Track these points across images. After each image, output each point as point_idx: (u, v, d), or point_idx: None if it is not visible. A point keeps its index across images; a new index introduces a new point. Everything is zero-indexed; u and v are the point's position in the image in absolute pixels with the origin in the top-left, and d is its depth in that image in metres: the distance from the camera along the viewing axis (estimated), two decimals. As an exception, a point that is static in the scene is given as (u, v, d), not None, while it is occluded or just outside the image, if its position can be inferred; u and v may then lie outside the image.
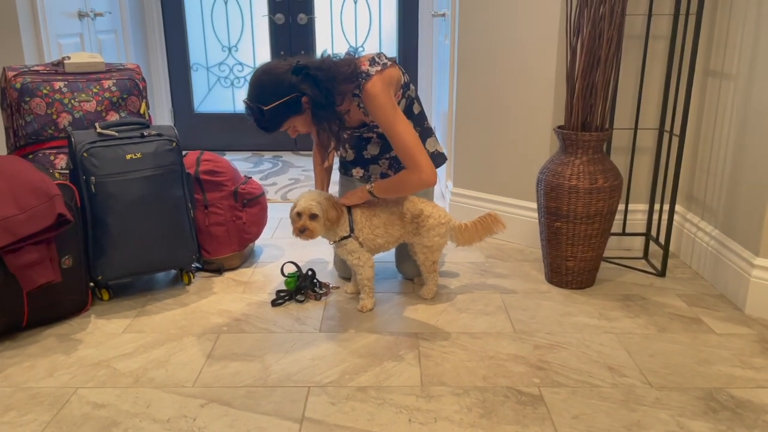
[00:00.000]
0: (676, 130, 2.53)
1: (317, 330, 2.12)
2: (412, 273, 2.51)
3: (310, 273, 2.41)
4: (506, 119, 2.84)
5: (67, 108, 2.42)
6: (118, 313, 2.25)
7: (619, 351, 1.98)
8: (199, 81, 4.78)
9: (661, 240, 2.64)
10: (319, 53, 2.16)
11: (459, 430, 1.61)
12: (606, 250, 2.53)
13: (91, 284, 2.29)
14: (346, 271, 2.51)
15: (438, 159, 2.43)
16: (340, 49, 2.22)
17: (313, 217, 2.13)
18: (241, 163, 4.48)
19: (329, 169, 2.48)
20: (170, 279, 2.54)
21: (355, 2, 4.58)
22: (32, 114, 2.37)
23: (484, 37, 2.83)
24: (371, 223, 2.20)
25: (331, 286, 2.44)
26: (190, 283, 2.49)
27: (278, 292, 2.36)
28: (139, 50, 4.39)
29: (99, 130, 2.25)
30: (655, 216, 2.71)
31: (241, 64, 4.74)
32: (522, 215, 2.84)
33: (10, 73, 2.37)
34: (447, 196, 3.27)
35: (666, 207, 2.65)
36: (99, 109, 2.48)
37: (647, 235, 2.72)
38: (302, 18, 4.57)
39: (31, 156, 2.38)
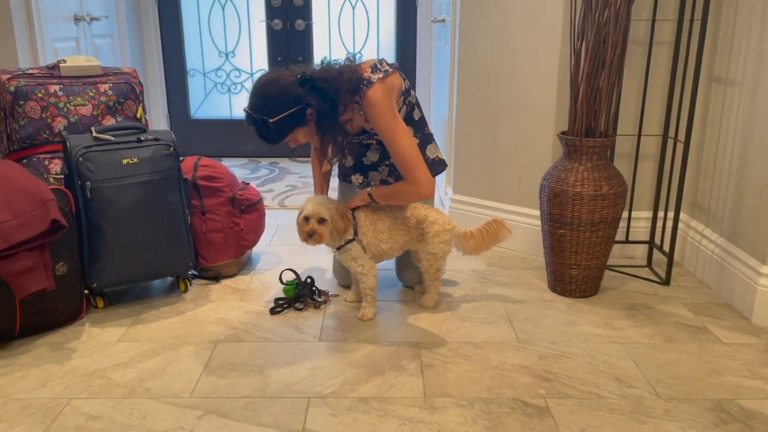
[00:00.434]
0: (681, 136, 2.50)
1: (317, 339, 2.08)
2: (413, 281, 2.46)
3: (309, 281, 2.36)
4: (507, 125, 2.81)
5: (62, 112, 2.37)
6: (113, 322, 2.20)
7: (626, 361, 1.94)
8: (195, 87, 4.74)
9: (665, 248, 2.60)
10: (318, 60, 2.12)
11: (464, 442, 1.57)
12: (609, 258, 2.49)
13: (86, 291, 2.24)
14: (346, 279, 2.46)
15: (438, 166, 2.39)
16: (338, 56, 2.15)
17: (321, 221, 2.08)
18: (238, 169, 4.44)
19: (328, 174, 2.44)
20: (166, 286, 2.49)
21: (353, 8, 4.55)
22: (26, 118, 2.32)
23: (485, 42, 2.80)
24: (375, 227, 2.16)
25: (330, 294, 2.39)
26: (186, 290, 2.44)
27: (277, 300, 2.31)
28: (136, 55, 4.35)
29: (95, 134, 2.20)
30: (659, 224, 2.68)
31: (238, 70, 4.70)
32: (523, 222, 2.80)
33: (4, 76, 2.33)
34: (446, 203, 3.23)
35: (670, 214, 2.62)
36: (95, 113, 2.43)
37: (651, 243, 2.68)
38: (300, 24, 4.54)
39: (25, 161, 2.34)
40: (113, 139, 2.21)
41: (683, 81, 2.46)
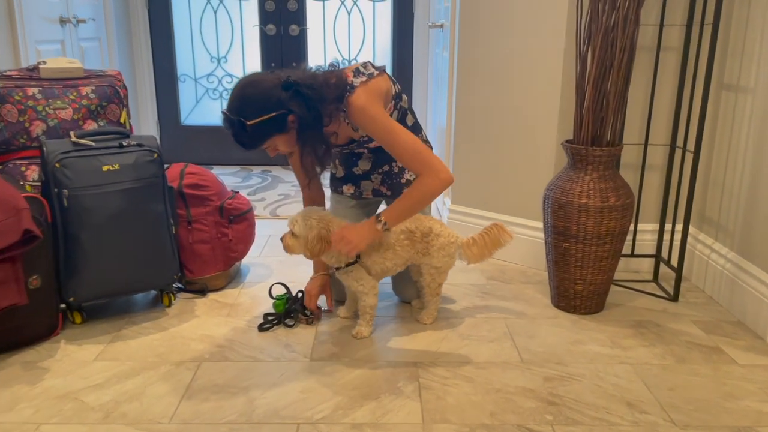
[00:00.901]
0: (690, 145, 2.39)
1: (308, 358, 1.95)
2: (411, 295, 2.34)
3: (300, 295, 2.24)
4: (508, 133, 2.70)
5: (41, 116, 2.25)
6: (90, 338, 2.07)
7: (637, 384, 1.82)
8: (186, 92, 4.62)
9: (673, 262, 2.49)
10: (303, 67, 1.97)
11: (466, 475, 1.44)
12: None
13: (62, 306, 2.11)
14: (339, 294, 2.34)
15: None
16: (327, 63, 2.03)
17: (294, 235, 1.98)
18: (229, 177, 4.32)
19: (317, 188, 2.28)
20: (150, 300, 2.36)
21: (349, 14, 4.45)
22: (2, 121, 2.19)
23: (486, 48, 2.70)
24: (380, 245, 2.03)
25: (323, 309, 2.27)
26: (170, 305, 2.31)
27: (266, 315, 2.19)
28: (124, 59, 4.23)
29: (74, 139, 2.08)
30: (666, 237, 2.57)
31: (230, 75, 4.59)
32: (524, 235, 2.69)
33: (-20, 78, 2.21)
34: (445, 214, 3.12)
35: (678, 227, 2.50)
36: (76, 117, 2.31)
37: (657, 256, 2.57)
38: (294, 29, 4.44)
39: (0, 167, 2.21)
40: (93, 144, 2.09)
41: (692, 88, 2.36)
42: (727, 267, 2.32)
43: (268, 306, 2.29)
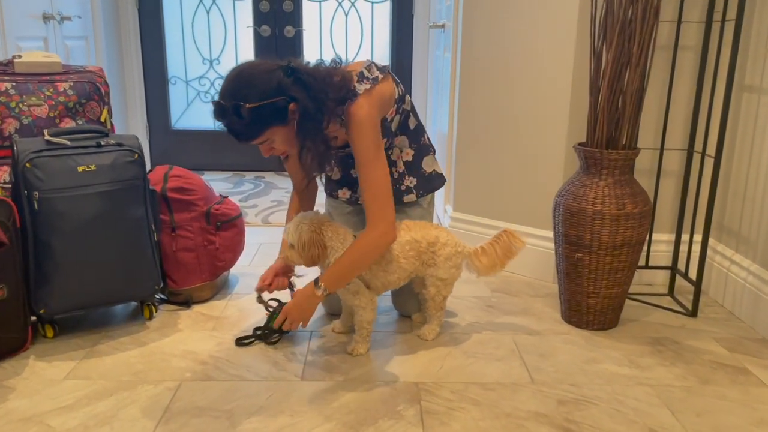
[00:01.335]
0: (710, 150, 2.24)
1: (298, 377, 1.78)
2: (412, 309, 2.18)
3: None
4: (514, 136, 2.55)
5: (13, 113, 2.08)
6: (62, 354, 1.90)
7: (660, 409, 1.66)
8: (177, 95, 4.46)
9: (691, 275, 2.33)
10: (305, 61, 1.81)
11: None
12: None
13: (33, 319, 1.94)
14: (334, 307, 2.17)
15: (436, 180, 2.12)
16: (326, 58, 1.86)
17: (291, 246, 1.82)
18: (220, 183, 4.15)
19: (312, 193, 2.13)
20: (129, 313, 2.19)
21: (346, 15, 4.31)
22: (-29, 118, 2.03)
23: (490, 47, 2.55)
24: (382, 258, 1.87)
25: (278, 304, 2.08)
26: (151, 317, 2.14)
27: (256, 329, 2.02)
28: (113, 60, 4.07)
29: (47, 137, 1.92)
30: (682, 247, 2.41)
31: (223, 78, 4.40)
32: (532, 244, 2.53)
33: (-53, 71, 2.05)
34: (445, 222, 2.96)
35: (697, 238, 2.34)
36: (52, 115, 2.15)
37: (674, 269, 2.41)
38: (289, 30, 4.29)
39: (-32, 167, 2.05)
40: (68, 143, 1.92)
41: (713, 89, 2.21)
42: (749, 280, 2.16)
43: (257, 319, 2.12)
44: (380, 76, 1.81)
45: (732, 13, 2.09)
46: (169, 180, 2.24)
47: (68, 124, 2.18)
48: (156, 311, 2.17)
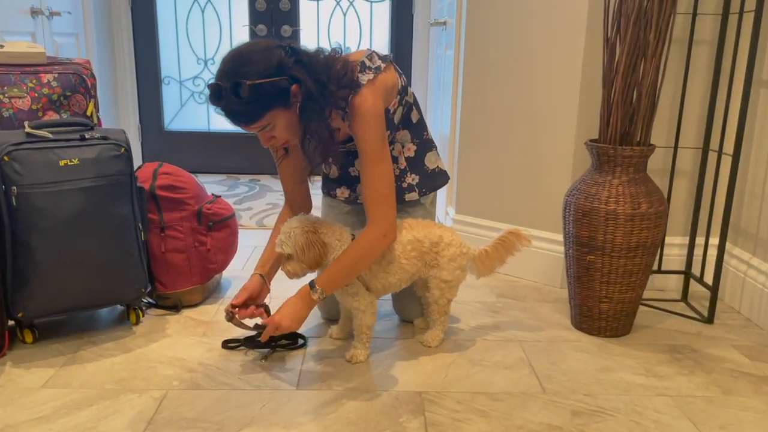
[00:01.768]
0: (727, 148, 2.14)
1: (294, 386, 1.67)
2: (414, 314, 2.06)
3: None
4: (520, 135, 2.44)
5: (-7, 105, 1.97)
6: (41, 361, 1.77)
7: (682, 421, 1.54)
8: (170, 96, 4.35)
9: (706, 279, 2.22)
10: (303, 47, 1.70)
11: None
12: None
13: (11, 323, 1.82)
14: (332, 312, 2.06)
15: (439, 178, 2.02)
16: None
17: (288, 257, 1.70)
18: (214, 186, 4.03)
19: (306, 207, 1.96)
20: (115, 317, 2.07)
21: (345, 14, 4.21)
22: (-52, 110, 1.92)
23: (496, 43, 2.45)
24: (383, 257, 1.76)
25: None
26: (138, 322, 2.02)
27: (247, 338, 1.90)
28: (104, 58, 3.96)
29: (28, 129, 1.80)
30: (696, 251, 2.31)
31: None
32: (538, 247, 2.42)
33: (-77, 60, 1.93)
34: (448, 224, 2.84)
35: (713, 241, 2.24)
36: (35, 107, 2.03)
37: (688, 273, 2.31)
38: (286, 30, 4.19)
39: (-56, 161, 1.93)
40: (50, 135, 1.81)
41: (730, 85, 2.11)
42: (769, 285, 2.06)
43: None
44: (382, 65, 1.70)
45: (751, 4, 1.99)
46: (159, 177, 2.12)
47: (52, 117, 2.06)
48: (143, 316, 2.05)
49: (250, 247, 2.81)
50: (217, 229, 2.19)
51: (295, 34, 4.20)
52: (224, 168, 4.41)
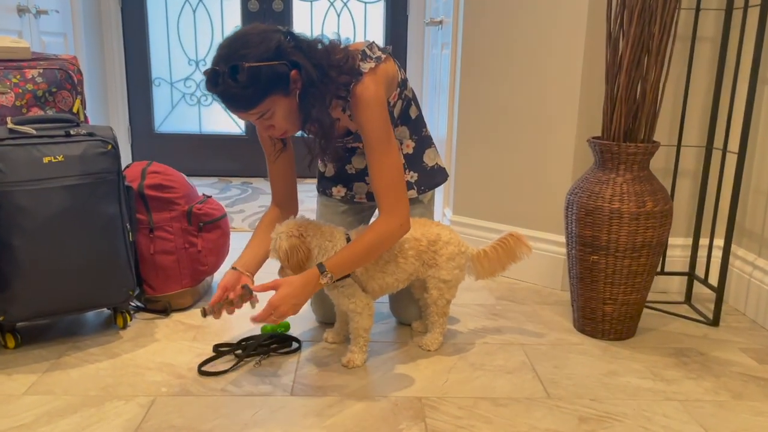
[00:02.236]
0: (732, 146, 2.09)
1: (288, 393, 1.59)
2: (411, 316, 2.00)
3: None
4: (519, 134, 2.38)
5: (-25, 101, 1.90)
6: (23, 367, 1.70)
7: (692, 426, 1.48)
8: (161, 97, 4.28)
9: (711, 281, 2.17)
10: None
11: None
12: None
13: (-9, 327, 1.75)
14: (327, 315, 1.99)
15: (438, 175, 1.96)
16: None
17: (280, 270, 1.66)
18: (206, 189, 3.95)
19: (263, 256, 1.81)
20: (101, 321, 2.00)
21: (339, 15, 4.16)
22: (-73, 106, 1.84)
23: (494, 40, 2.40)
24: (379, 257, 1.70)
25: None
26: (125, 326, 1.94)
27: (242, 341, 1.83)
28: (93, 59, 3.88)
29: (11, 125, 1.73)
30: (701, 252, 2.25)
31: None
32: (537, 249, 2.35)
33: None
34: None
35: (717, 242, 2.18)
36: (18, 104, 1.96)
37: (691, 274, 2.25)
38: (279, 31, 4.12)
39: None
40: (34, 132, 1.74)
41: (734, 82, 2.06)
42: (776, 286, 2.00)
43: (243, 331, 1.93)
44: (383, 56, 1.65)
45: (757, -1, 1.95)
46: (147, 176, 2.05)
47: (37, 114, 1.99)
48: (131, 320, 1.97)
49: (241, 250, 2.73)
50: (208, 230, 2.12)
51: (288, 35, 4.13)
52: (216, 171, 4.33)
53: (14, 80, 1.96)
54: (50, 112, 2.01)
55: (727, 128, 2.08)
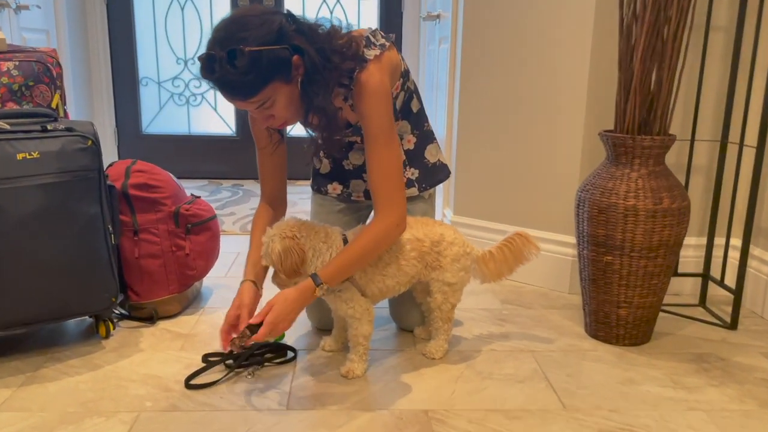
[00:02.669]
0: (749, 140, 1.99)
1: (284, 406, 1.47)
2: (413, 322, 1.88)
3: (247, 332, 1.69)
4: (523, 129, 2.28)
5: (-55, 95, 1.77)
6: (-4, 380, 1.57)
7: (721, 438, 1.37)
8: (148, 97, 4.15)
9: (728, 282, 2.07)
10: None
11: None
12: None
13: (-38, 338, 1.62)
14: (323, 321, 1.87)
15: (440, 172, 1.85)
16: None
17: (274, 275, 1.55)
18: (195, 191, 3.79)
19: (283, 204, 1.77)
20: (82, 330, 1.87)
21: (331, 11, 4.05)
22: None
23: (496, 33, 2.29)
24: (379, 259, 1.58)
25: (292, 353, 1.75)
26: (108, 335, 1.81)
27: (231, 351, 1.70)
28: (78, 57, 3.75)
29: (-18, 120, 1.61)
30: (715, 252, 2.15)
31: (198, 79, 4.13)
32: (545, 250, 2.23)
33: None
34: (445, 227, 2.67)
35: (734, 242, 2.08)
36: (-8, 98, 1.83)
37: (706, 275, 2.15)
38: (270, 28, 4.00)
39: None
40: (8, 126, 1.61)
41: (751, 73, 1.96)
42: (796, 287, 1.90)
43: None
44: (387, 44, 1.54)
45: (774, -16, 1.85)
46: (132, 175, 1.93)
47: (12, 108, 1.86)
48: (114, 328, 1.84)
49: (233, 254, 2.62)
50: (197, 232, 2.00)
51: (280, 33, 4.02)
52: (206, 173, 4.20)
53: (-12, 73, 1.84)
54: (27, 107, 1.89)
55: (744, 121, 1.98)
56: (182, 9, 4.01)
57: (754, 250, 2.11)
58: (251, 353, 1.66)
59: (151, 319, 1.92)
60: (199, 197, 2.10)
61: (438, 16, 3.02)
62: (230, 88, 1.38)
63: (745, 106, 1.98)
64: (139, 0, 3.98)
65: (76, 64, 3.69)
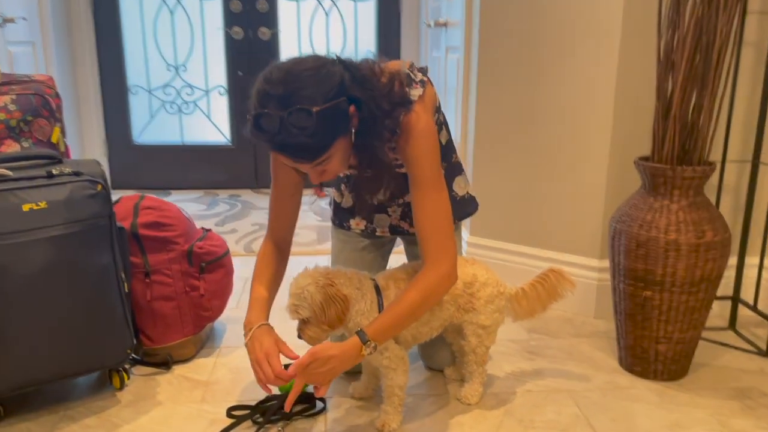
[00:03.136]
0: (783, 162, 1.92)
1: (321, 470, 1.39)
2: (443, 362, 1.80)
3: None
4: (544, 146, 2.19)
5: (-62, 135, 1.65)
6: (8, 448, 1.47)
7: (785, 495, 1.31)
8: (138, 106, 3.99)
9: (761, 307, 2.01)
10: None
11: None
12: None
13: (-32, 401, 1.51)
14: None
15: (469, 205, 1.77)
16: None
17: (304, 323, 1.43)
18: (191, 204, 3.70)
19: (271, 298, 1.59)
20: (94, 381, 1.76)
21: (327, 15, 3.92)
22: None
23: (516, 44, 2.20)
24: None
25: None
26: (122, 386, 1.71)
27: (260, 403, 1.61)
28: (65, 68, 3.59)
29: (-18, 167, 1.49)
30: (746, 272, 2.09)
31: (190, 86, 3.98)
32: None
33: None
34: (462, 248, 2.58)
35: (767, 262, 2.02)
36: (-11, 136, 1.71)
37: (736, 298, 2.09)
38: (264, 32, 3.87)
39: None
40: (10, 173, 1.49)
41: (785, 90, 1.89)
42: (834, 313, 1.85)
43: (255, 386, 1.71)
44: (425, 79, 1.44)
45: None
46: (141, 213, 1.81)
47: (11, 147, 1.75)
48: (128, 378, 1.74)
49: (240, 279, 2.50)
50: (211, 270, 1.89)
51: (274, 37, 3.88)
52: (200, 183, 4.07)
53: (-17, 109, 1.72)
54: (26, 144, 1.77)
55: (776, 142, 1.92)
56: (172, 13, 3.86)
57: (786, 272, 2.05)
58: (280, 406, 1.57)
59: (166, 364, 1.82)
60: (210, 230, 2.00)
61: (445, 24, 2.92)
62: (294, 151, 1.28)
63: (778, 126, 1.91)
64: (126, 5, 3.81)
65: (63, 74, 3.53)
